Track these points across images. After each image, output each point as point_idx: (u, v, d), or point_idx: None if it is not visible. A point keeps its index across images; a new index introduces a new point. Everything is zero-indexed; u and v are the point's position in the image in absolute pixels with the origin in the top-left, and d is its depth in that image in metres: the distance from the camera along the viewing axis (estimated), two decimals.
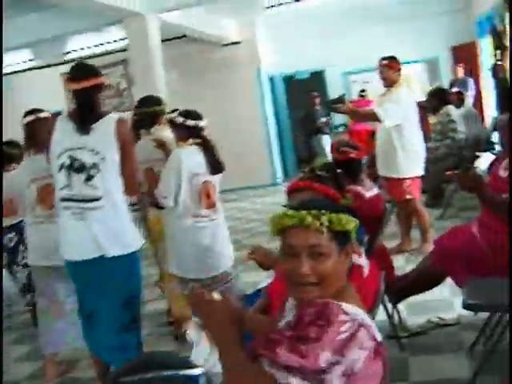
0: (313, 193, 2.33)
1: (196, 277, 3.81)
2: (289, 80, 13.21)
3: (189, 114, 3.87)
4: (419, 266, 3.89)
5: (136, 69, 7.75)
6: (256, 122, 11.80)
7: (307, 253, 1.67)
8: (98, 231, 3.11)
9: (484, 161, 8.07)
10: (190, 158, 3.80)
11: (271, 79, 12.42)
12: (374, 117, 5.50)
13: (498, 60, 8.49)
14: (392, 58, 5.54)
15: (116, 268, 3.17)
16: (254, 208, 9.76)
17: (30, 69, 11.91)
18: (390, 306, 3.69)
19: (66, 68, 11.73)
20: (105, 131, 3.14)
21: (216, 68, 11.75)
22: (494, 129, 8.71)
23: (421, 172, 5.69)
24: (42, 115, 3.89)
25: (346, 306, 1.64)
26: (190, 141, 3.84)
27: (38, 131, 3.73)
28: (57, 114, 3.28)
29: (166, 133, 4.29)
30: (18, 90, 11.94)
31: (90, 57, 11.48)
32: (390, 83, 5.53)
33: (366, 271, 2.27)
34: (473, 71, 10.75)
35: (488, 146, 8.23)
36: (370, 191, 4.05)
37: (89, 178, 3.12)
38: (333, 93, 11.61)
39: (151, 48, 7.53)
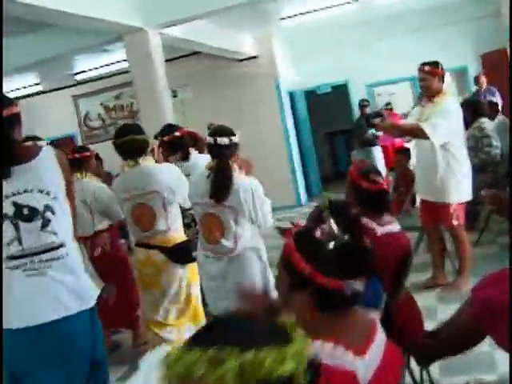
0: None
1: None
2: (309, 94, 12.59)
3: (216, 132, 3.50)
4: (453, 319, 3.17)
5: (139, 88, 7.18)
6: (277, 140, 11.19)
7: None
8: (60, 286, 2.54)
9: None
10: (195, 185, 3.57)
11: (291, 94, 11.80)
12: (420, 133, 4.70)
13: None
14: (434, 64, 4.84)
15: (77, 328, 2.57)
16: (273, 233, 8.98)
17: (37, 93, 11.46)
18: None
19: (78, 90, 11.26)
20: (48, 166, 2.57)
21: (233, 84, 11.21)
22: None
23: (469, 196, 4.99)
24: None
25: None
26: (207, 164, 3.55)
27: None
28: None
29: (152, 162, 4.06)
30: (26, 115, 11.45)
31: (100, 78, 11.06)
32: (433, 92, 4.81)
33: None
34: (502, 79, 10.01)
35: None
36: (386, 226, 3.19)
37: (45, 224, 2.53)
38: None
39: (154, 65, 6.97)
